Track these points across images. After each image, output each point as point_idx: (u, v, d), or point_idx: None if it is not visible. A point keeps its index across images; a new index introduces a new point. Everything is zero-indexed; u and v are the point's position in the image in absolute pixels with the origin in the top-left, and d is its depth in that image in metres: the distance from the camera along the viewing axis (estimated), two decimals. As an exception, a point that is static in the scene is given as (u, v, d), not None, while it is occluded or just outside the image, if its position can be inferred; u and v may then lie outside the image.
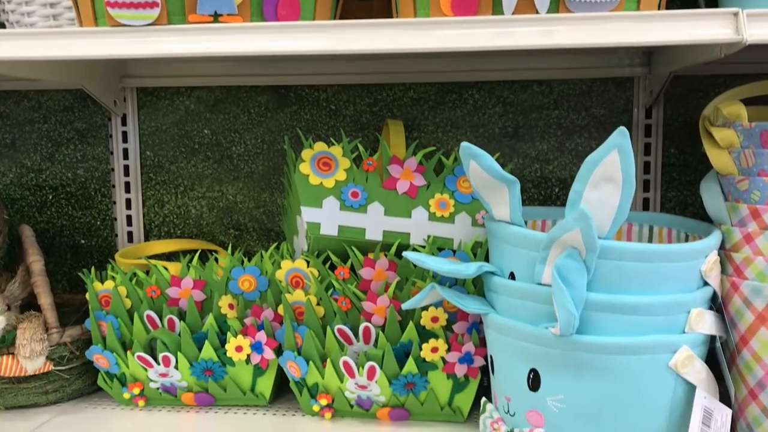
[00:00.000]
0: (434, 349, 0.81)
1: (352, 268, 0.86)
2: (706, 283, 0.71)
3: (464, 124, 1.06)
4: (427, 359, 0.82)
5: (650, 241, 0.87)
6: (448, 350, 0.82)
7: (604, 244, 0.65)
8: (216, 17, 0.72)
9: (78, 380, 0.94)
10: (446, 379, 0.83)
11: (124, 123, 1.12)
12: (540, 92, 1.04)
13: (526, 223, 0.84)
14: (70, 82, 1.00)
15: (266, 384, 0.90)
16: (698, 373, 0.69)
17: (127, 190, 1.13)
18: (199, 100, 1.11)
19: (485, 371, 0.83)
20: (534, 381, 0.70)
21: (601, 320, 0.67)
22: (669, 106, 1.02)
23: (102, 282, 0.90)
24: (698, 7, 0.88)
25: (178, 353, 0.87)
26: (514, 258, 0.72)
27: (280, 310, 0.87)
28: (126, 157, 1.13)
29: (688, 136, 1.02)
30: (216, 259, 0.91)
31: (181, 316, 0.90)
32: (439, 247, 0.86)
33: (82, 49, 0.72)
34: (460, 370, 0.82)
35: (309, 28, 0.70)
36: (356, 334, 0.84)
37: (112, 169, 1.14)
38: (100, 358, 0.89)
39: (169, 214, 1.13)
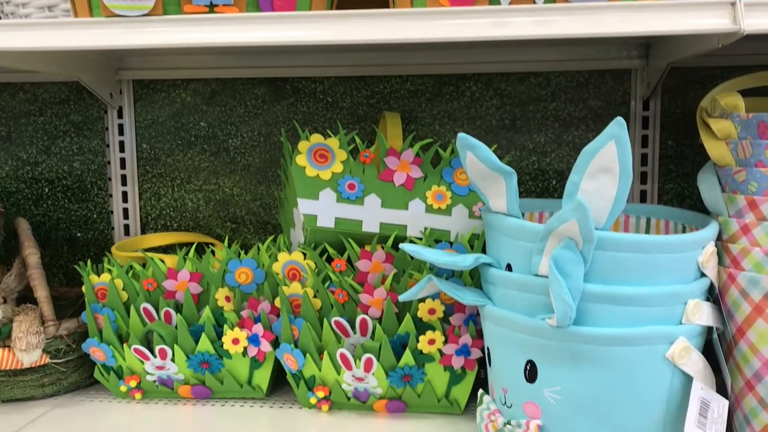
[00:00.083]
0: (431, 341, 0.81)
1: (349, 260, 0.86)
2: (703, 275, 0.71)
3: (461, 116, 1.06)
4: (424, 351, 0.82)
5: (647, 232, 0.87)
6: (445, 342, 0.82)
7: (601, 235, 0.65)
8: (211, 8, 0.71)
9: (75, 373, 0.94)
10: (443, 371, 0.83)
11: (120, 115, 1.12)
12: (537, 84, 1.04)
13: (523, 215, 0.84)
14: (66, 74, 1.00)
15: (263, 376, 0.90)
16: (695, 364, 0.69)
17: (124, 183, 1.13)
18: (196, 92, 1.10)
19: (482, 363, 0.83)
20: (531, 372, 0.70)
21: (598, 311, 0.66)
22: (666, 98, 1.01)
23: (98, 275, 0.90)
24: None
25: (175, 346, 0.87)
26: (511, 249, 0.72)
27: (277, 302, 0.87)
28: (122, 149, 1.13)
29: (686, 128, 1.02)
30: (213, 252, 0.91)
31: (178, 308, 0.90)
32: (436, 239, 0.85)
33: (77, 39, 0.72)
34: (457, 362, 0.82)
35: (305, 19, 0.70)
36: (353, 327, 0.84)
37: (109, 162, 1.13)
38: (96, 350, 0.89)
39: (165, 207, 1.13)
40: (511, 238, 0.71)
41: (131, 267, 0.91)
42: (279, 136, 1.09)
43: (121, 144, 1.13)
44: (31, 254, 0.94)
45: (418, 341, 0.82)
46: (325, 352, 0.83)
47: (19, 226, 0.98)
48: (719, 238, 0.74)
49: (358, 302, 0.83)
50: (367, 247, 0.84)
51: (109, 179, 1.13)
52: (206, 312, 0.88)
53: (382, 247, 0.84)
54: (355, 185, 0.86)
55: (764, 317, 0.69)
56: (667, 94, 1.01)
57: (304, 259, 0.85)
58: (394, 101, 1.07)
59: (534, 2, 0.68)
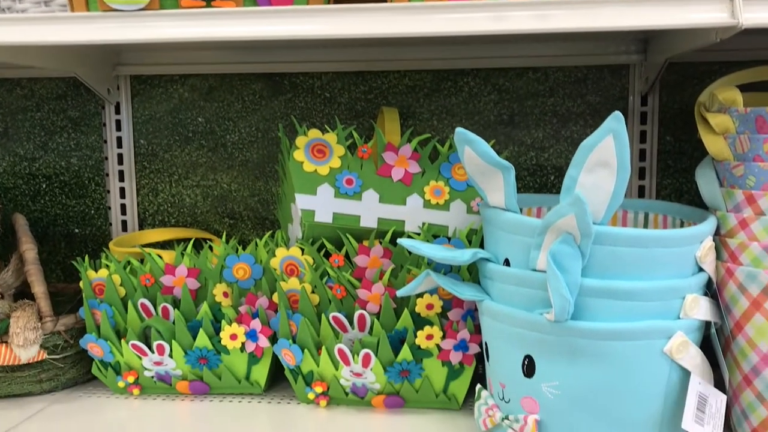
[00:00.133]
0: (429, 337, 0.81)
1: (347, 256, 0.86)
2: (701, 269, 0.71)
3: (459, 112, 1.05)
4: (422, 346, 0.82)
5: (645, 227, 0.86)
6: (443, 337, 0.82)
7: (599, 229, 0.65)
8: (209, 2, 0.71)
9: (72, 369, 0.93)
10: (441, 366, 0.83)
11: (117, 111, 1.12)
12: (535, 79, 1.04)
13: (521, 210, 0.84)
14: (63, 69, 1.00)
15: (261, 372, 0.90)
16: (693, 358, 0.69)
17: (121, 178, 1.13)
18: (193, 88, 1.10)
19: (480, 358, 0.83)
20: (529, 367, 0.70)
21: (596, 306, 0.66)
22: (665, 94, 1.01)
23: (96, 270, 0.90)
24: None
25: (173, 341, 0.87)
26: (509, 244, 0.72)
27: (275, 298, 0.87)
28: (120, 145, 1.12)
29: (684, 123, 1.02)
30: (210, 248, 0.91)
31: (176, 304, 0.90)
32: (434, 234, 0.85)
33: (74, 34, 0.72)
34: (455, 358, 0.82)
35: (303, 13, 0.70)
36: (351, 322, 0.84)
37: (106, 158, 1.13)
38: (94, 346, 0.89)
39: (163, 202, 1.13)
40: (508, 233, 0.71)
41: (129, 263, 0.91)
42: (277, 131, 1.09)
43: (119, 140, 1.12)
44: (29, 250, 0.94)
45: (416, 336, 0.81)
46: (323, 348, 0.83)
47: (17, 222, 0.98)
48: (717, 233, 0.74)
49: (356, 297, 0.83)
50: (365, 243, 0.84)
51: (107, 175, 1.13)
52: (204, 307, 0.88)
53: (380, 243, 0.83)
54: (353, 180, 0.86)
55: (762, 312, 0.69)
56: (666, 89, 1.01)
57: (302, 254, 0.85)
58: (392, 96, 1.06)
59: (532, -4, 0.68)
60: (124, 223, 1.13)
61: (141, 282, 0.89)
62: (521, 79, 1.04)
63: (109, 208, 1.14)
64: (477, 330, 0.81)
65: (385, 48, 1.04)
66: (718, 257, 0.73)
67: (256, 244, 0.89)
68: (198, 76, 1.10)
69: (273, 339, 0.88)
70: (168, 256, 0.91)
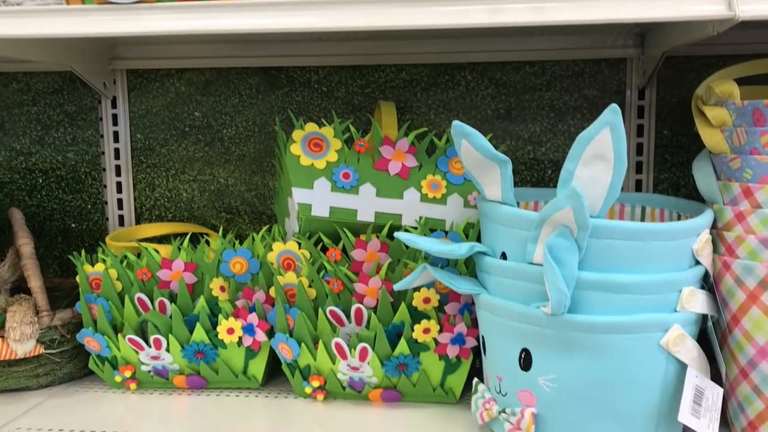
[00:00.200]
0: (426, 330, 0.81)
1: (344, 250, 0.86)
2: (697, 263, 0.71)
3: (457, 106, 1.05)
4: (419, 340, 0.82)
5: (643, 221, 0.86)
6: (440, 331, 0.82)
7: (596, 222, 0.65)
8: (205, -5, 0.71)
9: (69, 363, 0.93)
10: (438, 360, 0.83)
11: (114, 106, 1.12)
12: (533, 73, 1.03)
13: (518, 204, 0.84)
14: (59, 63, 0.99)
15: (258, 366, 0.89)
16: (689, 351, 0.69)
17: (118, 173, 1.13)
18: (190, 82, 1.10)
19: (477, 352, 0.83)
20: (525, 361, 0.70)
21: (593, 299, 0.66)
22: (662, 88, 1.01)
23: (93, 265, 0.90)
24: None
25: (170, 336, 0.87)
26: (506, 238, 0.71)
27: (272, 292, 0.87)
28: (116, 140, 1.12)
29: (681, 117, 1.02)
30: (207, 242, 0.91)
31: (172, 298, 0.90)
32: (431, 228, 0.85)
33: (69, 27, 0.72)
34: (452, 351, 0.82)
35: (300, 5, 0.69)
36: (348, 316, 0.84)
37: (103, 153, 1.13)
38: (91, 341, 0.89)
39: (160, 197, 1.13)
40: (505, 227, 0.71)
41: (125, 257, 0.91)
42: (274, 126, 1.09)
43: (115, 134, 1.12)
44: (25, 244, 0.94)
45: (413, 330, 0.81)
46: (320, 342, 0.83)
47: (13, 217, 0.97)
48: (714, 226, 0.74)
49: (353, 291, 0.83)
50: (362, 237, 0.84)
51: (104, 170, 1.13)
52: (201, 302, 0.88)
53: (377, 237, 0.83)
54: (349, 174, 0.85)
55: (759, 305, 0.69)
56: (663, 83, 1.01)
57: (299, 248, 0.85)
58: (390, 91, 1.06)
59: (529, -11, 0.67)
60: (120, 217, 1.13)
61: (138, 276, 0.89)
62: (518, 73, 1.04)
63: (106, 202, 1.13)
64: (474, 324, 0.81)
65: (382, 42, 1.04)
66: (715, 250, 0.73)
67: (253, 239, 0.89)
68: (194, 70, 1.09)
69: (270, 333, 0.88)
70: (165, 250, 0.91)
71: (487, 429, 0.77)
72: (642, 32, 0.99)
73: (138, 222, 1.13)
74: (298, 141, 0.86)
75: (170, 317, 0.88)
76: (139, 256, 0.92)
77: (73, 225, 1.15)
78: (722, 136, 0.74)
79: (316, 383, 0.85)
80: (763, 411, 0.71)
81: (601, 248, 0.66)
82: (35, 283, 0.91)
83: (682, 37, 0.80)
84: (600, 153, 0.64)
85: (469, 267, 0.81)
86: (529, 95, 1.04)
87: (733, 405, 0.74)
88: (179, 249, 0.89)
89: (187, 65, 1.09)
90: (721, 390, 0.71)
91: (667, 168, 1.03)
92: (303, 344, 0.84)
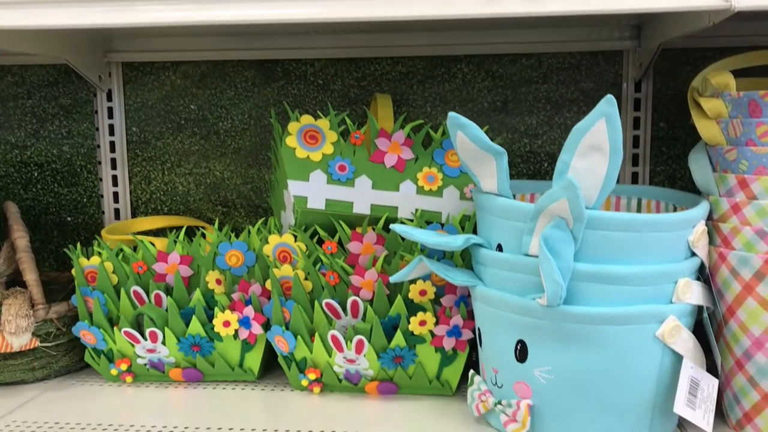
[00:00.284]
0: (422, 323, 0.81)
1: (340, 242, 0.85)
2: (693, 254, 0.71)
3: (453, 99, 1.05)
4: (415, 333, 0.82)
5: (639, 213, 0.86)
6: (436, 323, 0.82)
7: (592, 214, 0.65)
8: (199, -14, 0.71)
9: (65, 357, 0.93)
10: (434, 352, 0.83)
11: (109, 98, 1.11)
12: (529, 66, 1.03)
13: (514, 196, 0.84)
14: (54, 56, 0.99)
15: (254, 359, 0.89)
16: (685, 342, 0.69)
17: (113, 166, 1.12)
18: (186, 75, 1.10)
19: (473, 344, 0.83)
20: (521, 352, 0.70)
21: (589, 291, 0.66)
22: (658, 80, 1.01)
23: (88, 258, 0.90)
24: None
25: (166, 329, 0.87)
26: (502, 230, 0.71)
27: (268, 285, 0.87)
28: (112, 133, 1.12)
29: (677, 109, 1.02)
30: (203, 235, 0.91)
31: (168, 291, 0.90)
32: (427, 220, 0.85)
33: (62, 18, 0.71)
34: (449, 344, 0.82)
35: (295, -4, 0.69)
36: (344, 308, 0.84)
37: (98, 146, 1.12)
38: (86, 334, 0.89)
39: (155, 190, 1.12)
40: (501, 218, 0.71)
41: (121, 250, 0.91)
42: (269, 118, 1.08)
43: (111, 127, 1.12)
44: (20, 237, 0.93)
45: (409, 323, 0.81)
46: (317, 335, 0.83)
47: (8, 210, 0.97)
48: (710, 218, 0.74)
49: (349, 284, 0.83)
50: (358, 229, 0.84)
51: (99, 163, 1.13)
52: (197, 295, 0.88)
53: (373, 229, 0.83)
54: (345, 167, 0.85)
55: (754, 296, 0.69)
56: (659, 75, 1.01)
57: (295, 241, 0.85)
58: (386, 83, 1.06)
59: (524, -20, 0.67)
60: (116, 211, 1.13)
61: (133, 269, 0.89)
62: (515, 66, 1.03)
63: (102, 196, 1.13)
64: (470, 316, 0.81)
65: (378, 34, 1.04)
66: (711, 242, 0.73)
67: (249, 232, 0.89)
68: (190, 63, 1.09)
69: (266, 326, 0.88)
70: (160, 243, 0.90)
71: (483, 421, 0.77)
72: (638, 24, 0.98)
73: (134, 215, 1.13)
74: (294, 133, 0.85)
75: (166, 310, 0.88)
76: (134, 249, 0.92)
77: (69, 218, 1.15)
78: (718, 127, 0.74)
79: (312, 376, 0.85)
80: (759, 402, 0.71)
81: (597, 239, 0.66)
82: (31, 276, 0.91)
83: (678, 28, 0.80)
84: (596, 144, 0.64)
85: (465, 259, 0.81)
86: (526, 88, 1.04)
87: (728, 396, 0.74)
88: (175, 242, 0.89)
89: (182, 58, 1.08)
90: (716, 381, 0.71)
91: (664, 160, 1.03)
92: (299, 337, 0.84)
